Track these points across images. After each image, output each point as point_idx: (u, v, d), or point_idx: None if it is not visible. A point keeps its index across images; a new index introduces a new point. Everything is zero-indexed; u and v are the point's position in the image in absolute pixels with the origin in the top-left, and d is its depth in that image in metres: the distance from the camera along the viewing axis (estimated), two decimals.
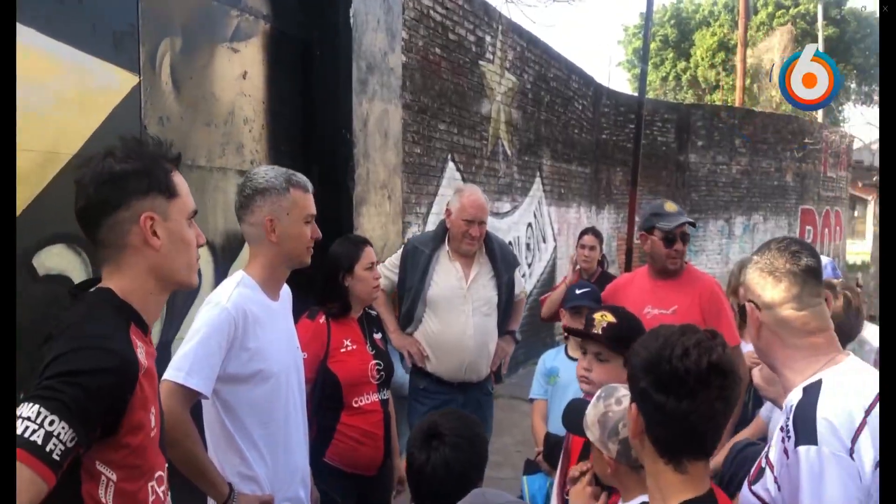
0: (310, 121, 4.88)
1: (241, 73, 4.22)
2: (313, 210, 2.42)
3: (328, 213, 3.70)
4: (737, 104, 19.80)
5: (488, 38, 7.71)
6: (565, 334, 4.16)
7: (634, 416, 1.59)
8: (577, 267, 5.28)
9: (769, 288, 1.75)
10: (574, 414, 2.14)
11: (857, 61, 29.00)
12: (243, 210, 2.37)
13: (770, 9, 29.36)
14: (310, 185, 2.44)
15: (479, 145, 7.59)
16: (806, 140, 16.39)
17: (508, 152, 8.32)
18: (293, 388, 2.44)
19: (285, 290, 2.52)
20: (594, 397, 2.05)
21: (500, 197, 8.04)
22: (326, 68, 4.93)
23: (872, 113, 15.96)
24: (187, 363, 2.17)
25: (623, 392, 1.95)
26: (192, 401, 2.19)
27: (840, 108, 27.85)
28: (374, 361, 3.09)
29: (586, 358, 2.46)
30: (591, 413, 1.99)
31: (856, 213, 32.16)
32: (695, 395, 1.49)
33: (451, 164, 6.94)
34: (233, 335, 2.22)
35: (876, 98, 14.90)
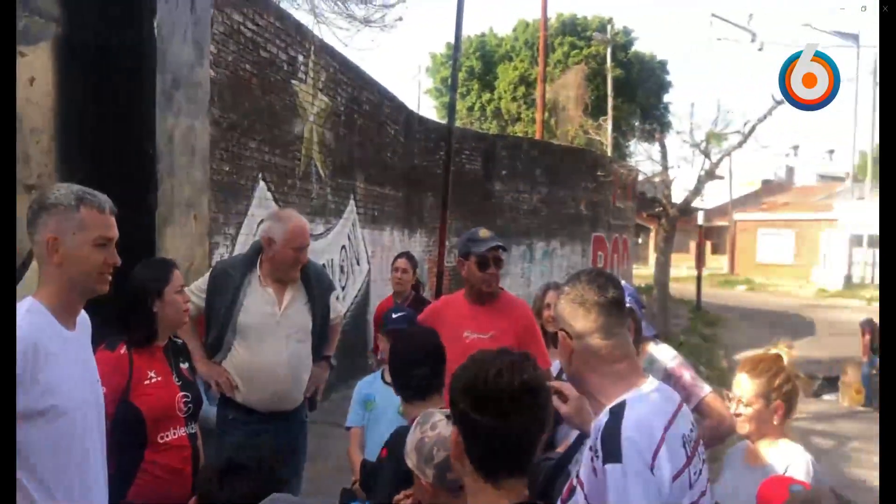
0: (108, 134, 4.53)
1: (27, 78, 3.84)
2: (110, 233, 2.22)
3: (128, 234, 3.44)
4: (537, 136, 21.06)
5: (301, 58, 7.62)
6: (380, 358, 4.15)
7: (455, 439, 1.64)
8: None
9: (579, 318, 1.86)
10: (398, 441, 2.16)
11: (640, 101, 31.97)
12: (30, 227, 2.15)
13: (565, 48, 31.64)
14: (108, 206, 2.23)
15: (292, 165, 7.45)
16: (599, 173, 17.76)
17: (322, 173, 8.25)
18: (91, 425, 2.23)
19: (83, 319, 2.30)
20: (413, 424, 2.07)
21: (313, 218, 7.92)
22: (127, 80, 4.61)
23: (654, 149, 17.64)
24: None
25: (438, 417, 2.02)
26: None
27: (626, 144, 30.47)
28: (182, 393, 2.92)
29: None
30: (410, 440, 2.03)
31: (639, 240, 35.29)
32: (508, 413, 1.57)
33: (262, 184, 6.75)
34: (21, 368, 1.99)
35: (657, 136, 16.51)
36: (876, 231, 28.57)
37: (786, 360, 2.50)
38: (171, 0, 4.79)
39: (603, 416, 1.79)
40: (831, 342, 13.53)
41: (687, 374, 3.19)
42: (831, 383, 10.38)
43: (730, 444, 2.92)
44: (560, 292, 1.93)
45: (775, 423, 2.48)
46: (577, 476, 1.84)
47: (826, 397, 10.16)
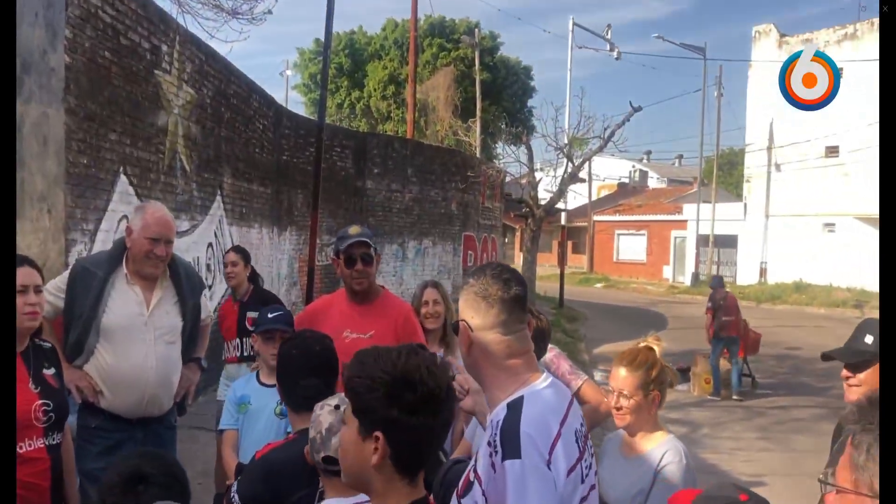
0: None
1: None
2: None
3: None
4: (408, 136, 21.15)
5: (164, 48, 7.26)
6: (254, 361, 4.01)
7: (382, 447, 1.60)
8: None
9: (482, 312, 1.87)
10: None
11: (506, 105, 32.74)
12: None
13: (434, 50, 31.93)
14: None
15: (155, 159, 7.09)
16: (469, 173, 18.06)
17: (187, 168, 7.90)
18: None
19: None
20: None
21: (178, 215, 7.56)
22: None
23: (520, 152, 18.18)
24: None
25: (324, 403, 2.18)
26: None
27: (494, 146, 31.13)
28: (41, 401, 2.70)
29: None
30: None
31: (506, 240, 36.20)
32: (441, 411, 1.63)
33: (123, 178, 6.37)
34: None
35: (523, 139, 17.02)
36: (720, 231, 30.80)
37: (657, 352, 2.62)
38: None
39: (501, 411, 1.80)
40: (682, 335, 14.41)
41: (565, 365, 3.33)
42: (683, 374, 11.09)
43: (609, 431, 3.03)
44: (465, 283, 1.94)
45: (653, 412, 2.59)
46: (475, 471, 1.84)
47: (678, 387, 10.83)
